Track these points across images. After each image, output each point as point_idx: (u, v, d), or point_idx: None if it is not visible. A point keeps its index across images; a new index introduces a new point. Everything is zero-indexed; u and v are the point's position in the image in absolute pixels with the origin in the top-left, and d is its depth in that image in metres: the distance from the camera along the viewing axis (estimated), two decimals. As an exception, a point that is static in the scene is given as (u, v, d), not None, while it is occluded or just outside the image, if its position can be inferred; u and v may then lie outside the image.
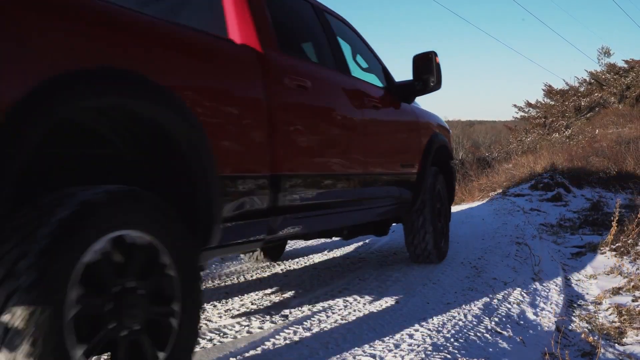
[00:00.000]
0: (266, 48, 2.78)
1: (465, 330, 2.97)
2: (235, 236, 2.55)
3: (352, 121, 3.51)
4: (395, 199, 4.20)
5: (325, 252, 5.77)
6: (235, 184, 2.44)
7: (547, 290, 4.07)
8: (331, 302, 3.67)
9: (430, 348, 2.64)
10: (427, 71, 4.18)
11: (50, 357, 1.48)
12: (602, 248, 5.44)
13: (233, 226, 2.44)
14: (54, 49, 1.65)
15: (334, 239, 6.43)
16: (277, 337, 2.95)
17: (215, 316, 3.47)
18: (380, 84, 4.24)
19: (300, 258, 5.51)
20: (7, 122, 1.48)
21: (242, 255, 5.50)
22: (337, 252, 5.71)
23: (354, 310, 3.46)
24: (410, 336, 2.85)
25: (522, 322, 3.31)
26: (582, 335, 3.21)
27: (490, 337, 2.93)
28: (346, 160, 3.42)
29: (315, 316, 3.35)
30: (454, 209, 9.48)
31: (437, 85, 4.22)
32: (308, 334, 2.99)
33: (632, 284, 4.08)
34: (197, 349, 2.83)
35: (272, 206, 2.67)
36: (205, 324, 3.30)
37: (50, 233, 1.53)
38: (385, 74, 4.43)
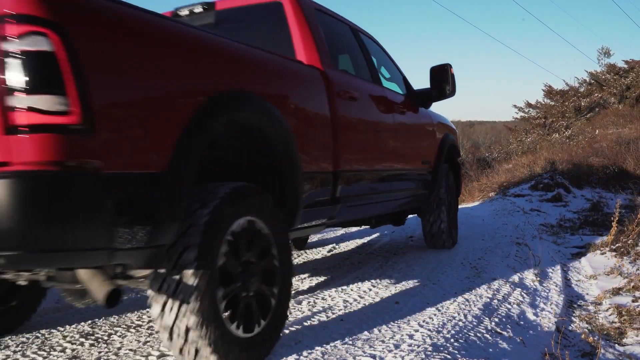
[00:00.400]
0: (326, 67, 3.46)
1: (465, 331, 2.97)
2: (309, 220, 3.20)
3: (387, 125, 4.15)
4: (416, 191, 4.83)
5: (326, 252, 5.77)
6: (312, 178, 3.12)
7: (547, 291, 4.07)
8: (331, 303, 3.67)
9: (430, 348, 2.64)
10: (443, 80, 4.82)
11: (209, 307, 2.19)
12: (602, 248, 5.44)
13: (308, 212, 3.10)
14: (213, 78, 2.41)
15: (335, 237, 6.45)
16: (277, 337, 2.95)
17: (215, 316, 3.47)
18: (401, 92, 4.82)
19: (301, 258, 5.51)
20: (192, 122, 2.18)
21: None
22: (337, 252, 5.70)
23: (354, 311, 3.46)
24: (410, 336, 2.85)
25: (522, 323, 3.31)
26: (582, 336, 3.21)
27: (490, 338, 2.93)
28: (382, 158, 4.08)
29: (315, 316, 3.35)
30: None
31: (452, 93, 4.86)
32: (308, 334, 2.99)
33: (632, 284, 4.08)
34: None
35: (333, 196, 3.35)
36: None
37: (209, 213, 2.23)
38: (405, 83, 5.05)
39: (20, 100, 1.72)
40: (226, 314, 2.31)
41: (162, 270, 2.19)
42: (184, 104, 2.22)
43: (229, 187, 2.40)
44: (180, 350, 2.25)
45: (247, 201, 2.48)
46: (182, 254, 2.16)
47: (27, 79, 1.73)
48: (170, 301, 2.18)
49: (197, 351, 2.23)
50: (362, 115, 3.82)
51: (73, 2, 1.90)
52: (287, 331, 3.05)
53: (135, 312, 3.66)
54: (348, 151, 3.49)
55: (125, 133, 1.96)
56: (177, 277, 2.15)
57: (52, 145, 1.74)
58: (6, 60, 1.73)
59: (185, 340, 2.21)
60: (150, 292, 2.24)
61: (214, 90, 2.39)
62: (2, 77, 1.73)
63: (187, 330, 2.19)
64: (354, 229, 7.55)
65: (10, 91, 1.72)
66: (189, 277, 2.15)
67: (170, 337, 2.24)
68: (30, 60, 1.73)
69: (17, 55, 1.73)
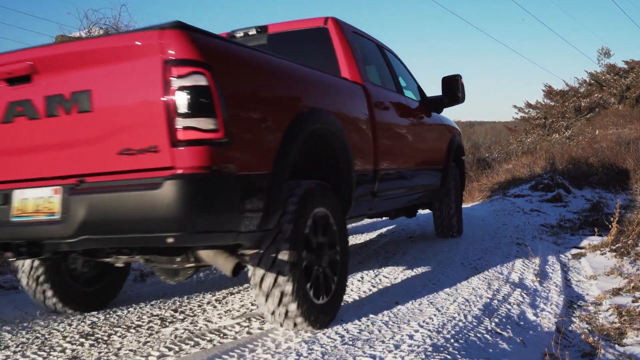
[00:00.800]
0: (365, 82, 4.10)
1: (465, 331, 2.97)
2: (357, 211, 3.81)
3: (409, 129, 4.82)
4: (430, 186, 5.45)
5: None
6: (360, 176, 3.73)
7: (547, 291, 4.07)
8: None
9: (430, 349, 2.64)
10: (455, 89, 5.46)
11: (299, 277, 2.83)
12: (602, 249, 5.44)
13: (356, 204, 3.70)
14: (299, 100, 3.12)
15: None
16: (277, 338, 2.95)
17: (215, 317, 3.47)
18: (417, 99, 5.41)
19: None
20: (286, 135, 2.82)
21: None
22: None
23: (354, 311, 3.46)
24: (411, 337, 2.85)
25: (522, 323, 3.31)
26: (582, 336, 3.21)
27: (490, 338, 2.93)
28: (406, 158, 4.72)
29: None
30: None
31: (462, 100, 5.48)
32: (308, 334, 2.98)
33: (632, 284, 4.07)
34: (197, 349, 2.84)
35: (372, 192, 4.01)
36: (205, 325, 3.30)
37: (296, 202, 2.87)
38: (419, 90, 5.62)
39: (184, 122, 2.30)
40: (308, 284, 2.94)
41: (261, 251, 2.81)
42: (282, 121, 2.86)
43: (310, 184, 3.06)
44: (273, 312, 2.92)
45: (322, 195, 3.14)
46: (277, 235, 2.80)
47: (189, 106, 2.31)
48: (269, 273, 2.80)
49: (287, 312, 2.88)
50: (392, 122, 4.46)
51: (216, 47, 2.56)
52: (287, 333, 3.05)
53: (136, 312, 3.67)
54: (383, 153, 4.14)
55: (248, 144, 2.58)
56: (274, 255, 2.78)
57: (205, 154, 2.33)
58: (175, 93, 2.31)
59: (279, 303, 2.84)
60: (251, 267, 2.87)
61: (299, 109, 3.05)
62: (171, 104, 2.31)
63: (281, 295, 2.82)
64: (354, 229, 7.56)
65: (177, 115, 2.31)
66: (284, 254, 2.77)
67: (266, 301, 2.88)
68: (192, 93, 2.31)
69: (183, 89, 2.30)
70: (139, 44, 2.37)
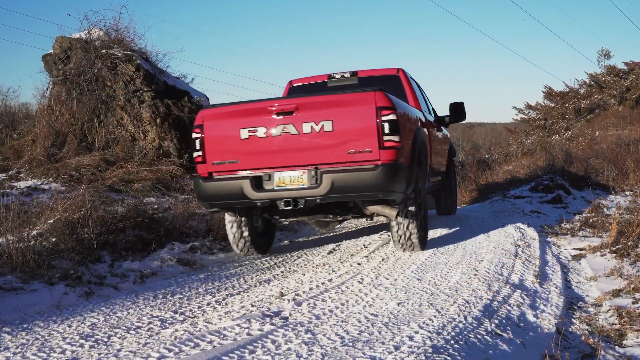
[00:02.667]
0: (422, 110, 6.52)
1: (465, 332, 2.97)
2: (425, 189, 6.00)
3: (436, 139, 7.02)
4: (440, 178, 7.53)
5: (326, 253, 5.76)
6: (430, 175, 6.35)
7: (547, 292, 4.06)
8: (331, 305, 3.67)
9: (430, 350, 2.64)
10: (459, 112, 7.57)
11: (422, 223, 5.43)
12: (602, 250, 5.44)
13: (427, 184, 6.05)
14: (415, 125, 5.54)
15: (334, 239, 6.44)
16: (277, 339, 2.95)
17: (215, 318, 3.47)
18: (432, 118, 7.29)
19: (300, 259, 5.51)
20: (413, 144, 5.24)
21: (239, 256, 5.49)
22: (337, 253, 5.70)
23: (354, 313, 3.46)
24: (410, 338, 2.85)
25: (522, 324, 3.31)
26: (583, 337, 3.21)
27: (490, 339, 2.93)
28: (437, 158, 6.97)
29: (315, 319, 3.35)
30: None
31: (464, 118, 7.69)
32: (308, 336, 2.98)
33: (632, 285, 4.07)
34: (197, 350, 2.84)
35: (428, 178, 6.18)
36: (205, 326, 3.30)
37: (416, 181, 5.25)
38: (433, 110, 7.69)
39: (386, 137, 4.62)
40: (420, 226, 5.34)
41: (398, 207, 5.13)
42: (412, 138, 5.22)
43: (420, 171, 5.44)
44: (402, 245, 5.34)
45: (423, 178, 5.68)
46: (410, 199, 5.11)
47: (389, 129, 4.63)
48: (405, 220, 5.17)
49: (412, 245, 5.32)
50: (432, 135, 6.68)
51: (397, 101, 4.95)
52: (287, 334, 3.05)
53: (135, 313, 3.66)
54: (432, 155, 6.42)
55: (405, 149, 4.89)
56: (411, 208, 5.13)
57: (394, 153, 4.68)
58: (382, 123, 4.63)
59: (408, 240, 5.27)
60: (393, 218, 5.20)
61: (415, 132, 5.38)
62: (380, 128, 4.63)
63: (410, 234, 5.23)
64: (354, 230, 7.56)
65: (384, 134, 4.63)
66: (414, 208, 5.14)
67: (399, 240, 5.30)
68: (390, 123, 4.64)
69: (386, 122, 4.63)
70: (363, 98, 4.74)
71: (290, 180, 4.86)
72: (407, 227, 5.16)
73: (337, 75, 6.65)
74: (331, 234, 7.35)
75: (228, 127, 5.01)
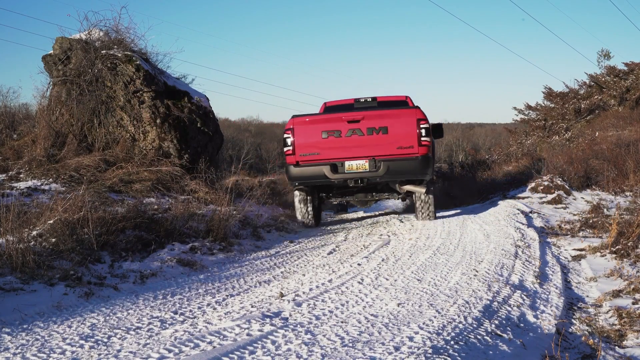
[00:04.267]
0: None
1: (465, 333, 2.97)
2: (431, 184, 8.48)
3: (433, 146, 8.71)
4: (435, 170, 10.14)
5: (326, 253, 5.77)
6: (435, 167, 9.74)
7: (547, 293, 4.06)
8: (331, 305, 3.67)
9: (430, 351, 2.64)
10: (439, 130, 8.89)
11: (434, 199, 8.24)
12: (602, 250, 5.43)
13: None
14: (430, 134, 8.05)
15: (335, 240, 6.45)
16: (277, 340, 2.95)
17: (215, 319, 3.47)
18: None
19: (300, 260, 5.51)
20: (432, 143, 7.93)
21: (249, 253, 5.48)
22: (338, 254, 5.71)
23: (354, 313, 3.46)
24: (410, 339, 2.85)
25: (522, 325, 3.31)
26: (583, 338, 3.20)
27: (490, 340, 2.93)
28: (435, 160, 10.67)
29: (315, 319, 3.35)
30: (453, 212, 9.46)
31: (442, 136, 9.24)
32: (308, 336, 2.98)
33: (632, 286, 4.07)
34: (197, 351, 2.83)
35: (435, 173, 10.60)
36: (205, 327, 3.29)
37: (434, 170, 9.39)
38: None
39: (422, 139, 7.39)
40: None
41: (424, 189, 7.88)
42: (432, 140, 7.79)
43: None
44: (425, 215, 8.00)
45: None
46: (432, 181, 8.55)
47: (425, 134, 7.40)
48: (426, 197, 7.93)
49: (430, 215, 8.01)
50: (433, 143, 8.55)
51: (426, 113, 7.67)
52: (287, 334, 3.05)
53: (135, 314, 3.66)
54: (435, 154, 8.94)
55: (430, 148, 7.63)
56: (430, 188, 8.04)
57: (427, 149, 7.47)
58: (421, 129, 7.40)
59: (428, 211, 7.99)
60: (423, 194, 7.89)
61: (432, 138, 7.92)
62: (418, 133, 7.41)
63: (429, 207, 7.99)
64: (354, 231, 7.56)
65: (420, 137, 7.39)
66: (431, 189, 8.13)
67: (421, 212, 7.98)
68: (425, 130, 7.41)
69: (422, 128, 7.39)
70: (408, 112, 7.44)
71: (357, 166, 7.45)
72: (428, 201, 7.93)
73: (362, 99, 8.92)
74: (331, 234, 7.35)
75: (312, 130, 7.46)
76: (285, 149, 7.53)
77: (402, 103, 8.93)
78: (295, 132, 7.41)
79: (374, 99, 8.85)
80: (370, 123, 7.29)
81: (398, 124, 7.29)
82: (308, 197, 8.14)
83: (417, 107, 7.47)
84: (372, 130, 7.28)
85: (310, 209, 8.19)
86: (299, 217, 8.17)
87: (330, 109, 9.06)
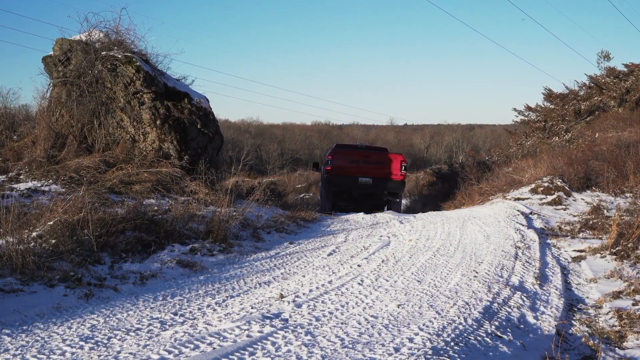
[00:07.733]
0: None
1: (465, 334, 2.96)
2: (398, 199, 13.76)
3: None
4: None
5: (326, 254, 5.76)
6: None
7: (548, 294, 4.06)
8: (331, 307, 3.67)
9: (430, 352, 2.64)
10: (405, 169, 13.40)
11: (401, 202, 14.60)
12: (602, 252, 5.43)
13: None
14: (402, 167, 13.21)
15: (335, 240, 6.46)
16: (277, 341, 2.95)
17: (215, 320, 3.47)
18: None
19: (300, 261, 5.51)
20: (403, 171, 12.96)
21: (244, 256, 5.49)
22: (337, 255, 5.71)
23: (353, 314, 3.46)
24: (410, 340, 2.85)
25: (522, 326, 3.31)
26: (583, 339, 3.20)
27: (490, 341, 2.93)
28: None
29: (314, 320, 3.35)
30: (453, 212, 9.47)
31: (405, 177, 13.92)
32: (308, 337, 2.98)
33: (632, 287, 4.07)
34: (197, 352, 2.83)
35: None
36: (205, 328, 3.29)
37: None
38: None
39: (402, 171, 12.48)
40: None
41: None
42: (402, 170, 12.75)
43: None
44: (394, 208, 12.95)
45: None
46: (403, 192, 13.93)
47: (403, 168, 12.54)
48: (399, 200, 13.72)
49: (399, 210, 13.29)
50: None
51: (404, 158, 13.23)
52: (287, 335, 3.04)
53: (135, 315, 3.66)
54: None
55: (405, 176, 12.96)
56: (402, 196, 14.57)
57: (403, 175, 12.52)
58: (401, 166, 12.52)
59: (398, 207, 13.27)
60: (398, 199, 13.37)
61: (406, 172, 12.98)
62: (399, 167, 12.53)
63: (399, 205, 13.59)
64: (354, 232, 7.56)
65: (401, 169, 12.45)
66: (399, 198, 13.59)
67: (394, 207, 13.01)
68: (403, 166, 12.64)
69: (402, 167, 12.55)
70: (396, 156, 12.77)
71: (365, 181, 12.11)
72: (399, 202, 12.88)
73: (359, 144, 14.80)
74: (331, 235, 7.35)
75: (343, 157, 12.34)
76: (326, 167, 12.42)
77: (385, 149, 14.12)
78: (334, 157, 12.43)
79: (367, 146, 14.64)
80: (374, 159, 12.52)
81: (390, 161, 12.45)
82: (330, 196, 13.04)
83: (401, 154, 13.03)
84: (375, 162, 12.45)
85: (330, 205, 12.85)
86: (323, 210, 12.48)
87: (341, 146, 14.19)
